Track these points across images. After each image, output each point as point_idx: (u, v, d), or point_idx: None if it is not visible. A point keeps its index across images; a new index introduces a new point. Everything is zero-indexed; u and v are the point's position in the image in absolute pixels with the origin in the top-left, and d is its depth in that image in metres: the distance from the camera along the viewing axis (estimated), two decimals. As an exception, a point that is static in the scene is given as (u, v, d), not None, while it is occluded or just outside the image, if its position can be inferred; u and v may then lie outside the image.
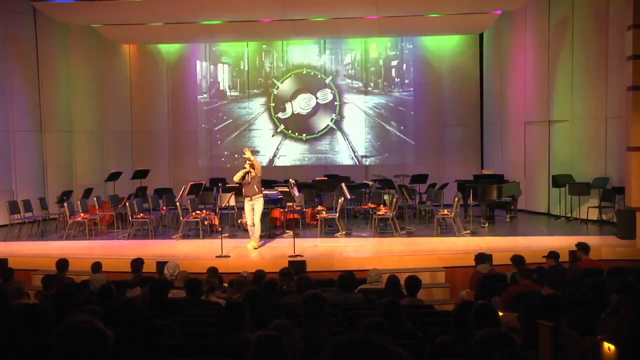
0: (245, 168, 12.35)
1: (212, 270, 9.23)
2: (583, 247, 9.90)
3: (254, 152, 12.38)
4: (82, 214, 14.68)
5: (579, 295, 5.73)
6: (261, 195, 12.40)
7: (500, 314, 5.60)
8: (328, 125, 20.02)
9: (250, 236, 12.57)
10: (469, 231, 13.68)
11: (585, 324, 4.93)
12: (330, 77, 19.95)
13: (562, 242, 11.86)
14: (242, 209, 15.12)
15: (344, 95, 19.97)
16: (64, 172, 17.81)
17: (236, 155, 19.54)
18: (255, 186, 12.15)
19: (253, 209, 12.31)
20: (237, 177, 12.43)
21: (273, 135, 20.11)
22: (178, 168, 19.87)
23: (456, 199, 13.86)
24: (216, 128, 20.28)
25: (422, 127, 19.69)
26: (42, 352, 4.17)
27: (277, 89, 20.12)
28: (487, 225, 14.58)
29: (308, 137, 20.07)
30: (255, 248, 12.33)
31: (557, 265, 9.00)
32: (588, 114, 15.26)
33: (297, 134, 20.07)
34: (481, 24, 18.45)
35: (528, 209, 16.89)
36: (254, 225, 12.35)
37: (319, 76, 20.06)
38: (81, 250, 12.82)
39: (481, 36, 19.38)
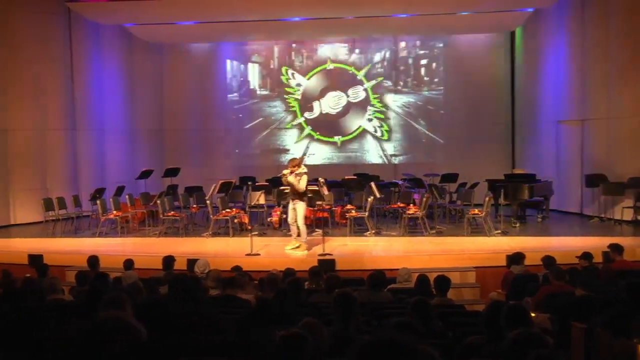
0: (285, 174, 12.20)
1: (237, 269, 9.24)
2: (617, 248, 9.74)
3: (295, 162, 12.17)
4: (114, 212, 14.82)
5: (613, 296, 5.64)
6: (302, 200, 12.14)
7: (532, 314, 5.53)
8: (360, 126, 19.96)
9: (294, 238, 12.33)
10: (499, 231, 13.56)
11: (619, 326, 4.84)
12: (362, 73, 19.91)
13: (596, 243, 11.68)
14: (271, 207, 15.22)
15: (376, 93, 19.91)
16: (97, 170, 18.01)
17: (268, 151, 19.62)
18: (297, 193, 12.02)
19: (295, 209, 12.16)
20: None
21: (296, 142, 20.10)
22: (208, 166, 19.95)
23: (487, 199, 13.75)
24: (246, 127, 20.35)
25: (451, 125, 19.57)
26: (73, 347, 4.20)
27: (300, 88, 20.10)
28: (518, 225, 14.44)
29: (342, 139, 20.03)
30: (293, 248, 12.06)
31: (590, 266, 8.87)
32: (624, 112, 15.00)
33: (326, 136, 20.04)
34: (513, 22, 18.29)
35: (560, 208, 16.69)
36: (294, 224, 12.17)
37: (350, 72, 20.01)
38: (113, 247, 12.96)
39: (512, 34, 19.21)
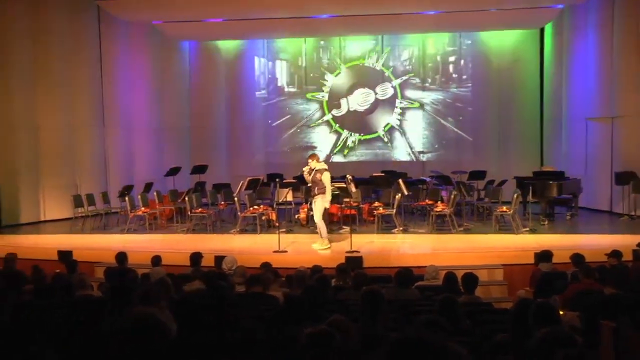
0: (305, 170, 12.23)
1: (266, 266, 9.28)
2: (647, 246, 9.64)
3: (314, 158, 12.18)
4: (142, 208, 14.94)
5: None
6: (320, 196, 12.15)
7: (560, 313, 5.49)
8: (389, 124, 19.93)
9: (320, 236, 12.26)
10: (527, 228, 13.46)
11: (649, 325, 4.80)
12: (390, 70, 19.87)
13: (625, 241, 11.52)
14: (299, 204, 15.25)
15: (404, 90, 19.87)
16: (125, 167, 18.15)
17: (295, 148, 19.67)
18: (316, 189, 12.02)
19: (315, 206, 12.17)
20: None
21: (311, 125, 20.10)
22: (236, 163, 20.05)
23: (515, 196, 13.65)
24: (274, 124, 20.42)
25: (480, 123, 19.47)
26: (103, 342, 4.26)
27: (328, 85, 20.12)
28: (546, 222, 14.33)
29: (365, 136, 20.03)
30: (323, 249, 12.00)
31: (619, 265, 8.79)
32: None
33: (353, 133, 20.05)
34: (542, 19, 18.12)
35: (589, 206, 16.53)
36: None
37: (378, 69, 19.98)
38: (141, 244, 13.05)
39: (542, 31, 19.05)
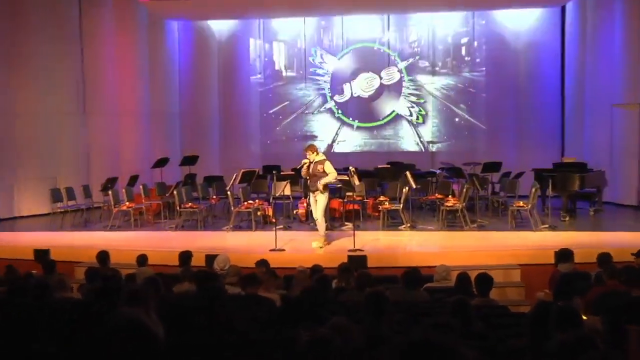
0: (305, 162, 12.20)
1: (262, 263, 9.26)
2: (677, 245, 9.62)
3: (312, 149, 12.15)
4: (127, 203, 14.93)
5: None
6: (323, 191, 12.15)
7: (583, 317, 5.48)
8: (394, 111, 19.91)
9: (320, 234, 12.33)
10: (547, 225, 13.44)
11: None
12: (397, 53, 19.84)
13: (654, 239, 11.56)
14: (298, 198, 15.24)
15: (411, 75, 19.84)
16: (108, 157, 18.04)
17: (295, 139, 19.66)
18: (318, 183, 12.01)
19: (317, 202, 12.16)
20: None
21: (313, 114, 20.11)
22: (229, 154, 20.04)
23: (533, 190, 13.63)
24: (271, 111, 20.41)
25: (495, 110, 19.44)
26: (86, 348, 4.26)
27: (329, 69, 20.10)
28: (567, 218, 14.32)
29: (371, 124, 20.02)
30: (320, 247, 12.07)
31: (648, 265, 8.77)
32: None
33: (357, 120, 20.04)
34: (563, -4, 18.09)
35: (615, 201, 16.50)
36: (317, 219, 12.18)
37: (382, 50, 19.95)
38: (126, 242, 13.05)
39: (563, 9, 18.99)
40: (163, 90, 19.60)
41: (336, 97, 20.11)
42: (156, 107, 19.34)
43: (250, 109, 20.39)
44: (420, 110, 19.87)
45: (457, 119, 19.76)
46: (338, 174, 13.20)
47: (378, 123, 20.04)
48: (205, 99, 20.30)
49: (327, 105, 20.18)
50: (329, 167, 11.91)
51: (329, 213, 14.03)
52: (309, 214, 14.22)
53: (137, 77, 18.93)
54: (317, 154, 12.07)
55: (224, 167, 19.14)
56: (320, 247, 12.05)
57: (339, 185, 13.71)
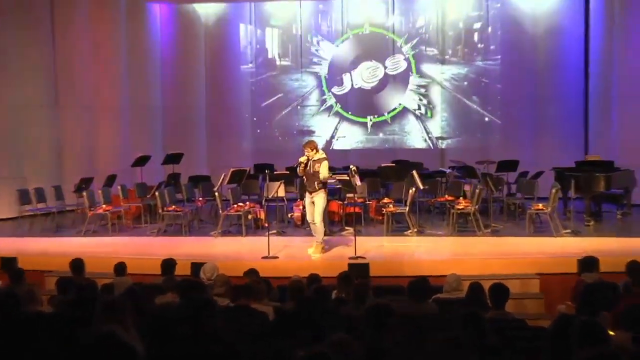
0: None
1: (252, 272, 9.23)
2: None
3: (311, 146, 12.11)
4: (103, 206, 14.91)
5: None
6: (322, 191, 12.15)
7: (610, 333, 5.47)
8: (401, 104, 19.90)
9: (314, 235, 12.36)
10: (569, 230, 13.45)
11: None
12: (403, 39, 19.82)
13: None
14: (294, 200, 15.23)
15: (419, 64, 19.82)
16: (83, 155, 18.01)
17: (287, 138, 19.66)
18: (315, 182, 11.98)
19: (313, 204, 12.13)
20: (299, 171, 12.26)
21: (313, 115, 20.12)
22: (217, 151, 20.00)
23: (553, 191, 13.64)
24: (263, 104, 20.37)
25: (511, 102, 19.40)
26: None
27: (328, 58, 20.08)
28: (592, 223, 14.30)
29: (375, 119, 20.01)
30: (317, 255, 12.05)
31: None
32: None
33: (358, 115, 20.02)
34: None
35: (644, 203, 16.51)
36: (314, 222, 12.17)
37: (387, 37, 19.93)
38: (103, 249, 13.04)
39: (587, -10, 19.01)
40: (144, 81, 19.50)
41: (335, 89, 20.08)
42: (136, 99, 19.25)
43: (241, 101, 20.34)
44: (428, 103, 19.85)
45: (469, 113, 19.73)
46: (337, 174, 13.22)
47: (382, 118, 19.99)
48: (190, 91, 20.23)
49: (324, 97, 20.11)
50: (324, 168, 11.85)
51: (327, 217, 14.03)
52: (305, 217, 14.21)
53: (115, 67, 18.83)
54: (317, 151, 12.02)
55: (212, 166, 19.12)
56: (318, 255, 12.04)
57: (338, 186, 13.71)
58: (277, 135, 20.36)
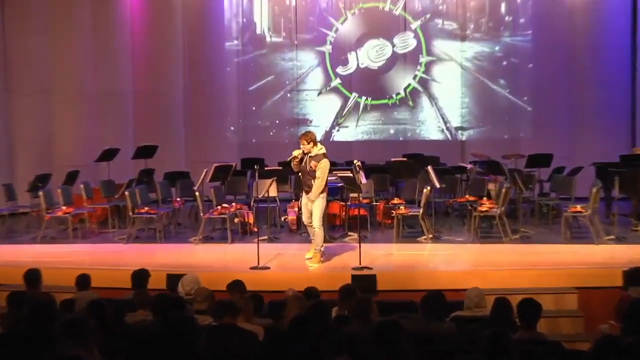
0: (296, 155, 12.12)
1: (236, 286, 9.22)
2: None
3: (307, 138, 12.06)
4: (63, 207, 14.87)
5: None
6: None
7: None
8: (410, 85, 19.90)
9: (312, 238, 12.33)
10: (612, 236, 13.44)
11: None
12: (415, 12, 19.82)
13: None
14: (287, 201, 15.23)
15: (432, 41, 19.82)
16: (40, 148, 18.04)
17: (276, 122, 19.65)
18: (312, 180, 11.95)
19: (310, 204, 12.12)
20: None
21: (319, 94, 20.12)
22: (197, 144, 20.00)
23: (594, 190, 13.63)
24: (251, 88, 20.37)
25: (544, 86, 19.42)
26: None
27: (335, 32, 20.09)
28: (639, 227, 14.33)
29: (377, 101, 20.01)
30: (315, 264, 12.01)
31: None
32: None
33: (364, 97, 20.04)
34: None
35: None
36: (311, 225, 12.14)
37: (396, 12, 19.93)
38: (62, 258, 12.97)
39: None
40: (111, 63, 19.44)
41: (339, 69, 20.08)
42: (101, 84, 19.19)
43: (225, 85, 20.34)
44: (446, 87, 19.84)
45: (494, 98, 19.73)
46: (340, 170, 13.19)
47: (390, 101, 19.99)
48: (165, 74, 20.18)
49: (322, 78, 20.13)
50: (322, 169, 11.82)
51: (327, 220, 14.03)
52: (301, 220, 14.20)
53: (75, 47, 18.79)
54: (315, 145, 11.97)
55: (191, 161, 19.13)
56: (316, 264, 12.02)
57: (340, 185, 13.69)
58: (268, 125, 20.36)
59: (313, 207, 11.99)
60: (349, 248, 12.89)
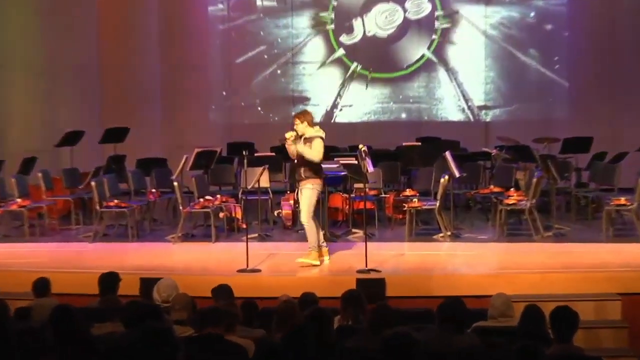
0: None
1: (223, 292, 9.25)
2: None
3: (302, 117, 12.08)
4: (18, 200, 14.88)
5: None
6: (311, 181, 12.13)
7: None
8: (424, 55, 19.91)
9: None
10: (662, 234, 13.49)
11: None
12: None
13: None
14: (281, 193, 15.26)
15: (451, 5, 19.82)
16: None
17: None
18: (302, 169, 11.98)
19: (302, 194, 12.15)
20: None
21: (319, 68, 20.13)
22: (175, 126, 20.00)
23: (641, 180, 13.68)
24: (239, 60, 20.35)
25: (582, 58, 19.42)
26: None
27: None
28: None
29: (387, 75, 20.02)
30: (312, 265, 12.00)
31: None
32: None
33: (371, 69, 20.04)
34: None
35: None
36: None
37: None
38: (17, 259, 13.04)
39: None
40: (73, 32, 19.39)
41: (342, 38, 20.06)
42: (61, 57, 19.15)
43: (208, 57, 20.34)
44: (467, 59, 19.84)
45: (524, 72, 19.72)
46: (341, 156, 13.21)
47: (401, 73, 19.98)
48: (138, 45, 20.18)
49: (326, 50, 20.14)
50: (316, 147, 11.85)
51: (328, 215, 14.05)
52: (297, 215, 14.21)
53: (32, 15, 18.77)
54: (310, 125, 11.97)
55: (168, 146, 19.12)
56: (308, 265, 12.04)
57: (343, 174, 13.70)
58: (259, 104, 20.34)
59: (301, 199, 12.02)
60: (354, 248, 12.95)
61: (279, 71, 20.33)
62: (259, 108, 20.34)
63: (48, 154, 17.01)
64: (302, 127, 11.92)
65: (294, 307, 8.01)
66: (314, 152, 11.79)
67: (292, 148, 11.99)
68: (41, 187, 15.54)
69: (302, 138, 11.87)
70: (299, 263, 12.05)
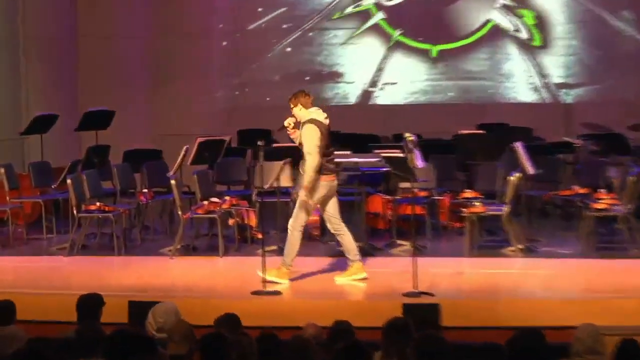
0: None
1: (229, 321, 9.25)
2: None
3: (295, 101, 12.14)
4: (-24, 203, 15.04)
5: None
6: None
7: None
8: (490, 21, 19.89)
9: (351, 258, 12.35)
10: None
11: None
12: None
13: None
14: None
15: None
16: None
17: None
18: (303, 161, 12.01)
19: (330, 199, 12.19)
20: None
21: (353, 36, 20.15)
22: (171, 109, 20.05)
23: None
24: (251, 26, 20.40)
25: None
26: None
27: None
28: None
29: (440, 46, 20.04)
30: (269, 280, 11.97)
31: None
32: None
33: (420, 41, 20.05)
34: None
35: None
36: (338, 231, 12.17)
37: None
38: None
39: None
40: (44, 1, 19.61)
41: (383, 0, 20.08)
42: (28, 29, 19.32)
43: (210, 23, 20.39)
44: (543, 24, 19.82)
45: (615, 41, 19.69)
46: (383, 149, 13.21)
47: (460, 43, 19.99)
48: (121, 11, 20.26)
49: (361, 4, 20.17)
50: (305, 135, 11.95)
51: (365, 222, 14.05)
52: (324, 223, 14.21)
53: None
54: (306, 107, 11.99)
55: (161, 134, 19.16)
56: (278, 279, 12.06)
57: (384, 170, 13.69)
58: (277, 82, 20.36)
59: (298, 197, 12.08)
60: (399, 264, 12.95)
61: (303, 39, 20.37)
62: (277, 87, 20.31)
63: (12, 145, 17.11)
64: (296, 110, 12.02)
65: (307, 343, 7.98)
66: (305, 143, 11.90)
67: (294, 136, 12.08)
68: (3, 186, 15.60)
69: (298, 123, 11.95)
70: (262, 277, 11.93)
